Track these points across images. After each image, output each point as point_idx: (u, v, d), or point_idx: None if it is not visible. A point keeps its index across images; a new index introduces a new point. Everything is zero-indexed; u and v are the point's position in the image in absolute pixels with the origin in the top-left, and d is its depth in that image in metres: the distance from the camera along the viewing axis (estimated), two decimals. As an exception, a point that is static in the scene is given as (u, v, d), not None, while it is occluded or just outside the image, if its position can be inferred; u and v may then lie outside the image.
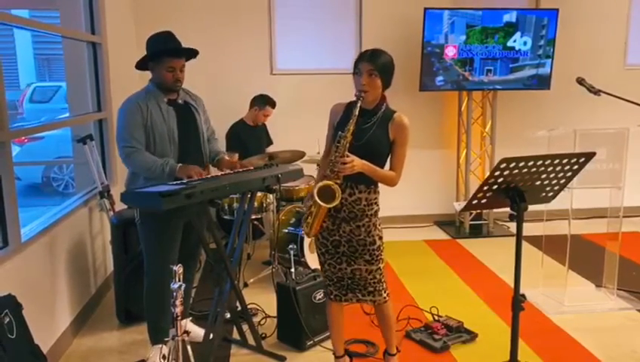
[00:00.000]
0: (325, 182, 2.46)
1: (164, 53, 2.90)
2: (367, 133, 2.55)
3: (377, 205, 2.65)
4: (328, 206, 2.47)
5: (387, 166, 2.64)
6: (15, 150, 8.31)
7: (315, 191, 2.46)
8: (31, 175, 8.42)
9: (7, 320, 2.32)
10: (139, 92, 2.99)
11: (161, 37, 2.96)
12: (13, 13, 3.19)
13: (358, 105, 2.47)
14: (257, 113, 4.89)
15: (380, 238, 2.65)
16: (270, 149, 5.01)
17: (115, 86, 4.41)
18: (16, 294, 2.47)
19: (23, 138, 7.90)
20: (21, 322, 2.42)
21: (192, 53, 3.03)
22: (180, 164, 2.88)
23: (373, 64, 2.49)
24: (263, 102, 4.89)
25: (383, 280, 2.70)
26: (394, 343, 2.86)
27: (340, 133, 2.47)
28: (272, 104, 4.91)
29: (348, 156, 2.44)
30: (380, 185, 2.64)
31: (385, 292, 2.71)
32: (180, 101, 3.03)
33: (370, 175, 2.54)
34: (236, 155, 4.67)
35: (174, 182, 2.79)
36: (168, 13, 5.33)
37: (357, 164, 2.44)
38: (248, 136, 4.86)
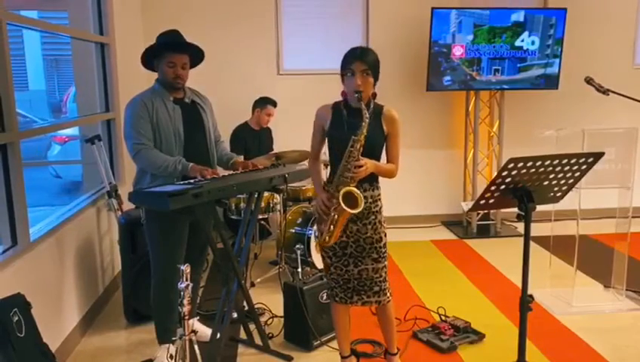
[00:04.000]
0: (348, 188, 2.46)
1: (164, 47, 2.89)
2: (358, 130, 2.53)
3: (381, 201, 2.67)
4: (354, 211, 2.46)
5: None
6: (56, 149, 8.44)
7: (341, 198, 2.45)
8: (72, 173, 8.47)
9: (17, 318, 2.34)
10: (144, 91, 2.98)
11: (165, 34, 2.96)
12: (22, 14, 3.20)
13: (364, 107, 2.46)
14: (260, 114, 4.91)
15: (385, 235, 2.67)
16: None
17: (123, 86, 4.43)
18: (25, 293, 2.48)
19: (65, 137, 8.06)
20: (30, 321, 2.44)
21: (196, 54, 3.00)
22: (192, 163, 2.89)
23: (367, 63, 2.49)
24: (263, 102, 4.90)
25: (387, 279, 2.70)
26: (395, 342, 2.87)
27: (353, 137, 2.45)
28: (273, 103, 4.92)
29: (361, 159, 2.45)
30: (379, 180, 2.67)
31: (389, 291, 2.72)
32: (186, 100, 3.02)
33: (377, 173, 2.57)
34: (241, 158, 4.70)
35: (181, 182, 2.80)
36: (176, 14, 5.35)
37: (369, 166, 2.47)
38: (251, 140, 4.88)
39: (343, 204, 2.44)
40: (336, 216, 2.50)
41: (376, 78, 2.55)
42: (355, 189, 2.47)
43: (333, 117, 2.63)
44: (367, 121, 2.45)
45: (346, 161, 2.48)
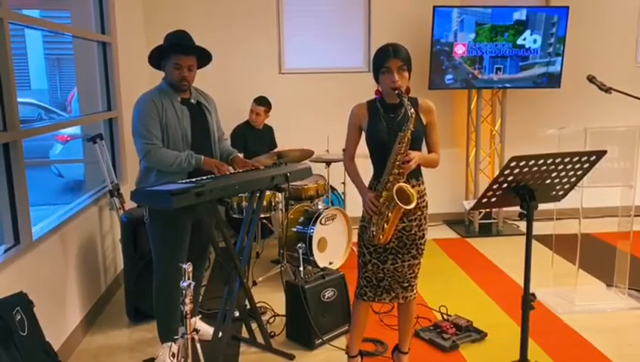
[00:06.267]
0: (400, 184, 2.45)
1: (171, 49, 2.89)
2: (404, 125, 2.51)
3: (426, 196, 2.67)
4: (409, 207, 2.43)
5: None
6: (57, 148, 8.39)
7: (395, 194, 2.42)
8: (74, 172, 8.44)
9: (19, 317, 2.34)
10: (152, 90, 2.98)
11: (173, 34, 2.95)
12: (24, 13, 3.21)
13: (407, 103, 2.42)
14: (250, 112, 4.93)
15: (427, 231, 2.66)
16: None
17: (124, 85, 4.43)
18: (27, 292, 2.49)
19: (67, 136, 8.02)
20: (32, 319, 2.44)
21: (203, 56, 3.00)
22: (204, 156, 2.90)
23: (401, 59, 2.50)
24: (253, 101, 4.93)
25: (418, 275, 2.70)
26: (409, 341, 2.86)
27: (399, 133, 2.44)
28: (259, 102, 4.91)
29: (409, 153, 2.46)
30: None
31: (416, 288, 2.72)
32: (192, 100, 3.03)
33: (423, 164, 2.57)
34: (241, 155, 4.72)
35: (183, 181, 2.80)
36: (178, 13, 5.35)
37: (417, 158, 2.48)
38: (250, 137, 4.90)
39: (398, 201, 2.41)
40: (389, 214, 2.48)
41: (410, 72, 2.56)
42: (407, 185, 2.46)
43: (370, 115, 2.60)
44: (414, 115, 2.44)
45: (394, 157, 2.46)
